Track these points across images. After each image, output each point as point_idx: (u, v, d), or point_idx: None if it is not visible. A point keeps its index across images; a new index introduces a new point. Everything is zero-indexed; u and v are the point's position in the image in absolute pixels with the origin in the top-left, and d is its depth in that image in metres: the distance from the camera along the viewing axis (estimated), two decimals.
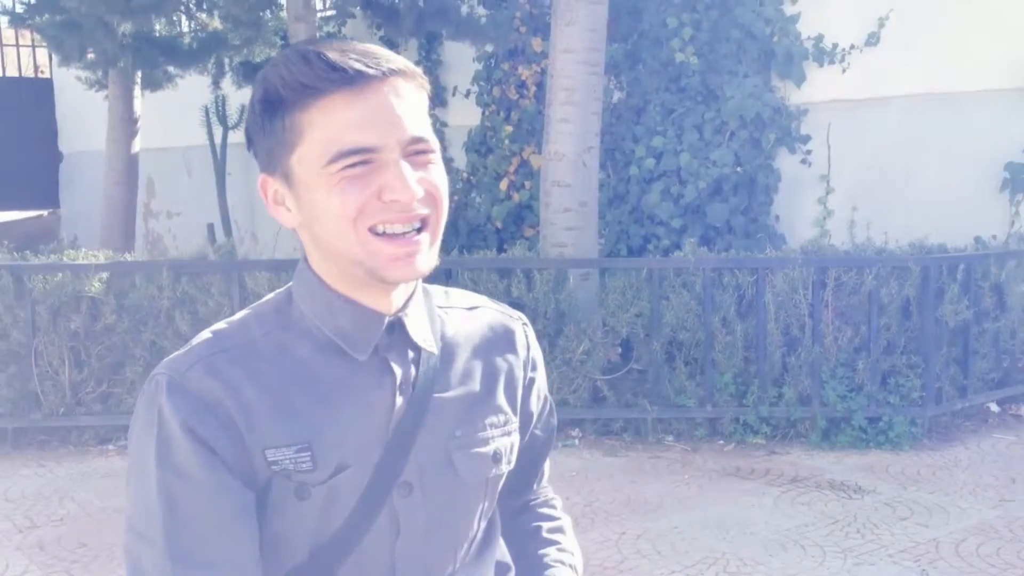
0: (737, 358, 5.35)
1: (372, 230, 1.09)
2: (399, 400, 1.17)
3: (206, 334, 1.18)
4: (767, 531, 4.06)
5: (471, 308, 1.32)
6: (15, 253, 5.71)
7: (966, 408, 5.57)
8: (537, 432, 1.38)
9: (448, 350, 1.24)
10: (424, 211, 1.11)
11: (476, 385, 1.25)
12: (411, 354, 1.20)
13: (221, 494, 1.10)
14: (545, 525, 1.43)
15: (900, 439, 5.14)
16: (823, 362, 5.28)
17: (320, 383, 1.15)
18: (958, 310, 5.36)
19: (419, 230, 1.12)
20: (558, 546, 1.41)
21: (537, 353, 1.36)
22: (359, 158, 1.07)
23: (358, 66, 1.07)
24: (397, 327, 1.19)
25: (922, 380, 5.26)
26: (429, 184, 1.11)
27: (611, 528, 4.11)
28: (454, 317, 1.28)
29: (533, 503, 1.46)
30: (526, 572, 1.40)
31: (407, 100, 1.10)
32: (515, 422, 1.29)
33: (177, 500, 1.09)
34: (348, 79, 1.07)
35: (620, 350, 5.50)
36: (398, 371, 1.18)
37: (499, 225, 8.25)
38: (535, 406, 1.35)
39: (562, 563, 1.38)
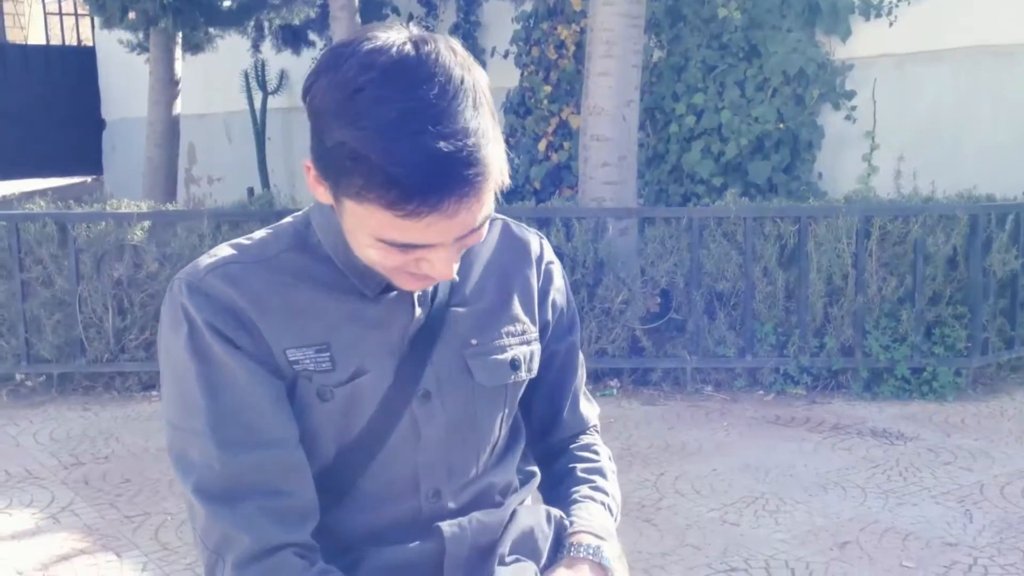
0: (778, 308, 5.29)
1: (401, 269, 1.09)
2: (418, 311, 1.19)
3: (225, 246, 1.19)
4: (807, 474, 4.02)
5: None
6: (59, 203, 5.78)
7: (1012, 360, 5.47)
8: (555, 346, 1.35)
9: (463, 266, 1.24)
10: None
11: (492, 297, 1.26)
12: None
13: (254, 381, 1.12)
14: (580, 466, 1.38)
15: (944, 390, 5.06)
16: (866, 312, 5.20)
17: (338, 294, 1.17)
18: (1006, 260, 5.25)
19: None
20: (591, 484, 1.36)
21: (554, 266, 1.35)
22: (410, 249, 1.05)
23: (451, 204, 0.98)
24: None
25: (968, 331, 5.17)
26: (473, 241, 1.08)
27: (649, 470, 4.09)
28: None
29: (573, 447, 1.41)
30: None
31: (482, 199, 1.02)
32: (534, 332, 1.30)
33: (215, 388, 1.11)
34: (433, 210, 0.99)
35: (659, 300, 5.45)
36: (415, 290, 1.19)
37: (537, 186, 8.22)
38: (550, 315, 1.34)
39: (592, 500, 1.33)
